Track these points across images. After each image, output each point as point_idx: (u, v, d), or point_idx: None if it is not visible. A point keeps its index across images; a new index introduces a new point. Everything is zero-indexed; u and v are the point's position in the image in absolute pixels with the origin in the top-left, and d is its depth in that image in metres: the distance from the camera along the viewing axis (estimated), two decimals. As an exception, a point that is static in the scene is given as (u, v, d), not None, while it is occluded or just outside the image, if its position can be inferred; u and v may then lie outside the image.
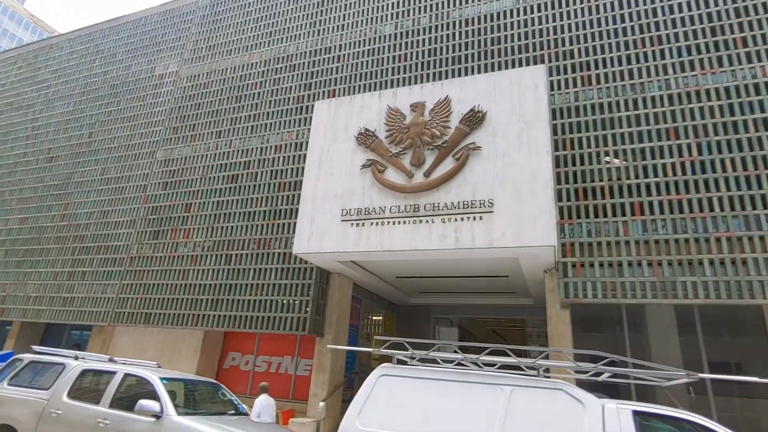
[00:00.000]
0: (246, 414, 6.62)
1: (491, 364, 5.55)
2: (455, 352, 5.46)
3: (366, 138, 9.80)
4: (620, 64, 9.46)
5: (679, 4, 9.47)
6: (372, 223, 9.04)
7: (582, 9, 10.24)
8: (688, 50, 9.12)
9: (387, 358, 5.58)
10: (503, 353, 5.38)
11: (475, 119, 8.99)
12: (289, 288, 10.50)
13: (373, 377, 5.38)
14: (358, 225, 9.13)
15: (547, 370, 6.36)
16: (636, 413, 4.58)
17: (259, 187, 11.87)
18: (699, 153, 8.40)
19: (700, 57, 8.98)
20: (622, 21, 9.75)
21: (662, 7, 9.55)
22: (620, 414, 4.54)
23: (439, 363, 5.74)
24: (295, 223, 10.14)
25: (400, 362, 5.71)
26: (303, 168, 10.65)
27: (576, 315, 9.34)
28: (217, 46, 14.82)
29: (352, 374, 11.56)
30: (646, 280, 7.96)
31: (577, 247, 8.46)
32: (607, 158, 8.96)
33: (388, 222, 8.91)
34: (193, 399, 6.60)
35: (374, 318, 13.59)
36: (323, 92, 12.32)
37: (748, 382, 6.50)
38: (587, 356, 5.39)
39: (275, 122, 12.55)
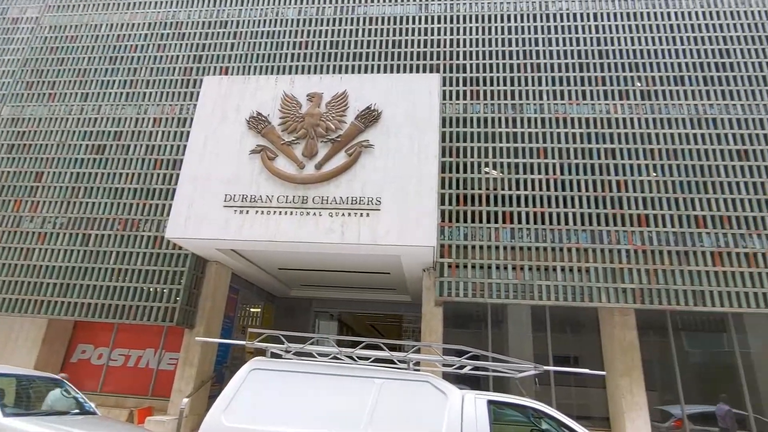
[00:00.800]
0: (94, 413, 5.91)
1: (366, 358, 5.68)
2: (334, 346, 5.46)
3: (258, 122, 9.37)
4: (504, 84, 10.32)
5: (556, 39, 10.62)
6: (257, 212, 8.67)
7: (477, 28, 10.96)
8: (560, 81, 10.27)
9: (263, 352, 5.38)
10: (378, 347, 5.53)
11: (370, 117, 9.11)
12: (158, 275, 9.61)
13: (243, 371, 5.16)
14: (242, 212, 8.69)
15: (417, 364, 6.69)
16: (490, 402, 5.03)
17: (132, 162, 10.68)
18: (561, 173, 9.51)
19: (569, 88, 10.18)
20: (510, 44, 10.65)
21: (543, 39, 10.63)
22: (477, 403, 4.94)
23: (315, 357, 5.71)
24: (170, 205, 9.31)
25: (275, 356, 5.54)
26: (185, 146, 9.81)
27: (448, 312, 9.98)
28: (92, -3, 13.01)
29: (223, 368, 10.99)
30: (510, 282, 8.79)
31: (454, 249, 9.04)
32: (487, 169, 9.71)
33: (275, 212, 8.62)
34: (27, 397, 5.73)
35: (252, 310, 13.09)
36: (214, 68, 11.51)
37: (582, 374, 7.44)
38: (454, 351, 5.76)
39: (156, 92, 11.39)
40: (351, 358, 5.78)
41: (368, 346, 5.59)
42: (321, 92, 9.55)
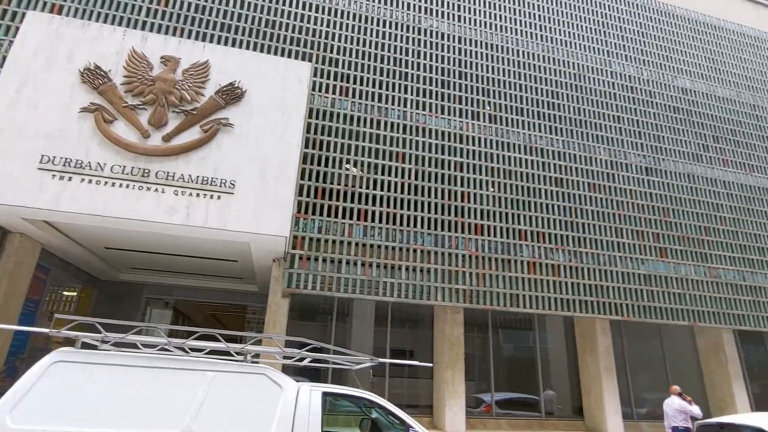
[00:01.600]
0: None
1: (200, 350, 5.29)
2: (163, 336, 4.96)
3: (95, 77, 8.07)
4: (373, 86, 10.60)
5: (424, 53, 11.29)
6: (84, 180, 7.47)
7: (353, 26, 11.06)
8: (423, 92, 10.94)
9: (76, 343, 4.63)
10: (214, 338, 5.19)
11: (233, 94, 8.54)
12: (-67, 243, 7.64)
13: (41, 364, 4.38)
14: (62, 178, 7.39)
15: (257, 356, 6.47)
16: (325, 393, 5.11)
17: None
18: (416, 178, 10.13)
19: (431, 101, 10.91)
20: (382, 49, 10.99)
21: (412, 50, 11.20)
22: (312, 395, 4.96)
23: (139, 348, 5.12)
24: (-40, 158, 7.47)
25: (88, 347, 4.81)
26: (-10, 88, 7.97)
27: (295, 304, 9.89)
28: None
29: (17, 361, 9.21)
30: (358, 278, 9.06)
31: (307, 241, 8.98)
32: (348, 166, 9.87)
33: (106, 182, 7.53)
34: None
35: (66, 293, 11.24)
36: (43, 2, 9.59)
37: (412, 365, 7.97)
38: (297, 343, 5.70)
39: (-45, 15, 9.06)
40: (182, 349, 5.33)
41: (203, 337, 5.22)
42: (179, 58, 8.65)
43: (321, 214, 9.26)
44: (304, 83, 9.01)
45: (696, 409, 8.18)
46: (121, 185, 7.58)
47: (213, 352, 5.28)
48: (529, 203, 10.75)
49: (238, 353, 5.25)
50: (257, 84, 8.73)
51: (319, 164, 9.58)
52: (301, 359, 5.80)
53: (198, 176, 7.87)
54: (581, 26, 13.27)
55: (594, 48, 13.12)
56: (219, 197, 7.82)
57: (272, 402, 4.77)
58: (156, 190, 7.68)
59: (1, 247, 8.24)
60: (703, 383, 12.43)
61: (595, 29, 13.40)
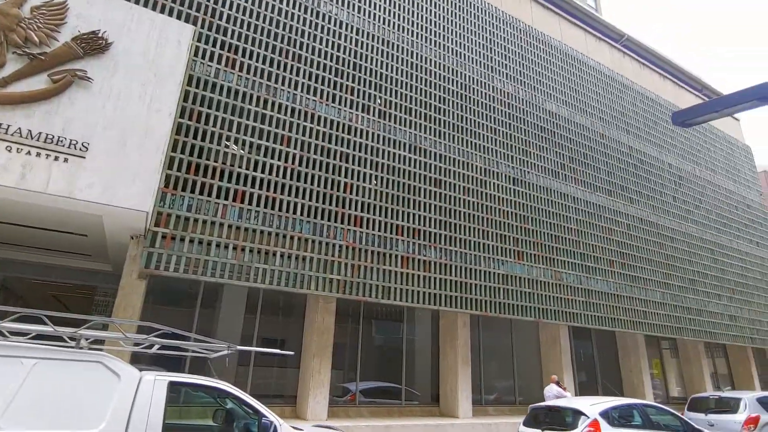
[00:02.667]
0: None
1: (24, 334, 4.54)
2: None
3: None
4: (263, 62, 10.09)
5: (320, 38, 11.06)
6: None
7: (247, -5, 10.39)
8: (316, 78, 10.71)
9: None
10: (40, 321, 4.49)
11: (94, 45, 7.46)
12: None
13: None
14: None
15: (102, 343, 5.76)
16: (173, 383, 4.72)
17: None
18: (299, 164, 9.90)
19: (322, 88, 10.73)
20: (276, 26, 10.50)
21: (308, 33, 10.89)
22: (156, 385, 4.55)
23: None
24: None
25: None
26: None
27: (155, 288, 9.05)
28: None
29: None
30: (229, 262, 8.58)
31: (174, 219, 8.25)
32: (228, 143, 9.27)
33: None
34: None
35: None
36: None
37: (273, 354, 7.79)
38: (149, 329, 5.20)
39: None
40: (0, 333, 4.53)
41: (27, 320, 4.49)
42: (29, -9, 7.30)
43: (193, 192, 8.57)
44: (184, 47, 8.22)
45: (569, 395, 9.65)
46: (-69, 132, 6.18)
47: (44, 338, 4.58)
48: (408, 200, 11.16)
49: (71, 338, 4.61)
50: (127, 38, 7.74)
51: (195, 137, 8.84)
52: (150, 346, 5.31)
53: (40, 133, 6.74)
54: (472, 40, 14.13)
55: (481, 62, 14.06)
56: (66, 160, 6.79)
57: (106, 393, 4.28)
58: (-19, 142, 6.41)
59: None
60: (542, 372, 14.14)
61: (484, 45, 14.37)
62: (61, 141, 6.83)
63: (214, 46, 9.57)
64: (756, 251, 20.23)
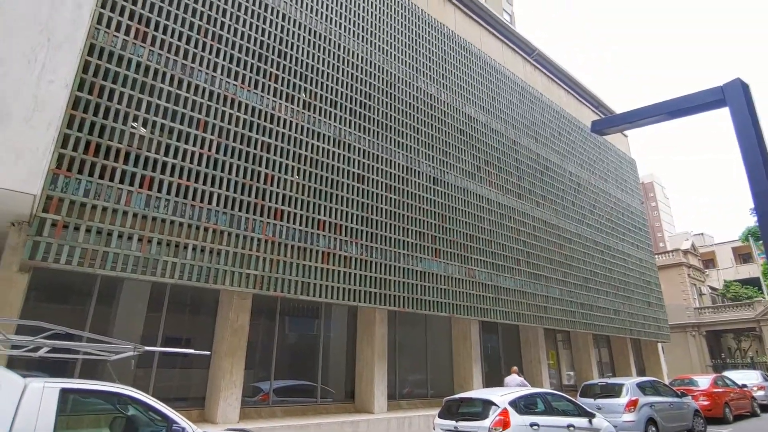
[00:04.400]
0: None
1: None
2: None
3: None
4: (179, 39, 9.31)
5: (243, 20, 10.45)
6: None
7: (163, -36, 9.50)
8: (237, 61, 10.11)
9: None
10: None
11: (-29, -4, 6.34)
12: None
13: None
14: None
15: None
16: (66, 390, 4.16)
17: None
18: (217, 151, 9.28)
19: (244, 72, 10.16)
20: (195, 1, 9.73)
21: (230, 12, 10.24)
22: (45, 393, 3.97)
23: None
24: None
25: None
26: None
27: (40, 282, 7.98)
28: None
29: None
30: (132, 254, 7.79)
31: (67, 204, 7.29)
32: (135, 124, 8.41)
33: None
34: None
35: None
36: None
37: (185, 354, 7.24)
38: (34, 329, 4.52)
39: None
40: None
41: None
42: None
43: (91, 175, 7.64)
44: (85, 9, 7.27)
45: (528, 384, 10.78)
46: None
47: None
48: (331, 195, 10.99)
49: (-72, 341, 3.86)
50: (14, -7, 6.67)
51: (96, 114, 7.88)
52: (36, 349, 4.62)
53: None
54: (399, 39, 14.26)
55: (406, 62, 14.25)
56: (-72, 129, 5.69)
57: (-21, 405, 3.63)
58: None
59: None
60: (452, 365, 14.74)
61: (410, 45, 14.59)
62: None
63: (121, 15, 8.61)
64: (636, 253, 22.89)
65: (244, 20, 10.46)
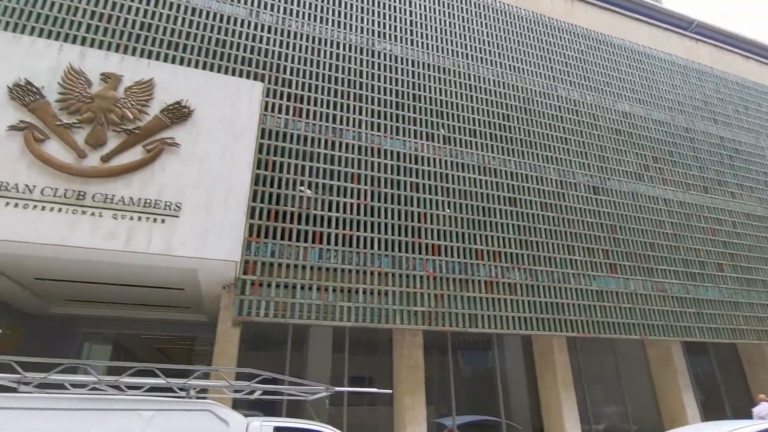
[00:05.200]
0: None
1: (137, 387, 4.82)
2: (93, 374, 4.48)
3: (26, 93, 7.51)
4: (327, 107, 10.50)
5: (378, 75, 11.35)
6: (9, 203, 6.83)
7: (306, 47, 10.99)
8: (378, 114, 10.94)
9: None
10: (152, 374, 4.74)
11: (179, 114, 8.17)
12: None
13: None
14: (-16, 202, 6.72)
15: (205, 391, 5.99)
16: (278, 429, 4.76)
17: None
18: (371, 199, 10.01)
19: (385, 122, 10.91)
20: (336, 71, 10.95)
21: (366, 72, 11.23)
22: (263, 431, 4.60)
23: (67, 388, 4.60)
24: None
25: (5, 390, 4.28)
26: None
27: (247, 334, 9.38)
28: None
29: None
30: (314, 303, 8.72)
31: (259, 265, 8.58)
32: (302, 187, 9.62)
33: (36, 206, 6.92)
34: None
35: (-11, 331, 10.16)
36: (-29, 15, 8.93)
37: (370, 393, 7.64)
38: (247, 375, 5.33)
39: None
40: (118, 388, 4.84)
41: (143, 374, 4.76)
42: (121, 75, 8.23)
43: (274, 238, 8.91)
44: (255, 104, 8.78)
45: None
46: (52, 209, 6.99)
47: (155, 389, 4.84)
48: (484, 223, 10.84)
49: (180, 389, 4.82)
50: (206, 103, 8.41)
51: (272, 186, 9.27)
52: (252, 392, 5.42)
53: (140, 199, 7.39)
54: (528, 53, 13.83)
55: (540, 74, 13.68)
56: (163, 221, 7.36)
57: (218, 441, 4.37)
58: (93, 214, 7.13)
59: None
60: (656, 395, 12.75)
61: (541, 56, 14.01)
62: (158, 204, 7.44)
63: (281, 98, 10.13)
64: None
65: (378, 75, 11.34)
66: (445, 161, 11.15)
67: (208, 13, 10.52)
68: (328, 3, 11.81)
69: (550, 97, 13.44)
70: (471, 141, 11.68)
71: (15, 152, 7.14)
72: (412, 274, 9.65)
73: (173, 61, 9.58)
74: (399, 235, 9.91)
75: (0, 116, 7.27)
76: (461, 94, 12.16)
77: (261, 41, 10.59)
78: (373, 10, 12.28)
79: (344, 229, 9.50)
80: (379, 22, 12.18)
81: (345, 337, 10.44)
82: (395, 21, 12.42)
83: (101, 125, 7.68)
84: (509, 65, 13.30)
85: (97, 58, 8.24)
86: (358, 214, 9.76)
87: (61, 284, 9.48)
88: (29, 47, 7.92)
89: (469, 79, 12.49)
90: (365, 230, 9.66)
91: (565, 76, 14.08)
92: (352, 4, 12.09)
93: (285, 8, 11.26)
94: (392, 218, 9.99)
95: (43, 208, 6.96)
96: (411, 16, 12.70)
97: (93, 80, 8.00)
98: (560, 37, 14.77)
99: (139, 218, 7.28)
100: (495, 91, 12.69)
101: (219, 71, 9.74)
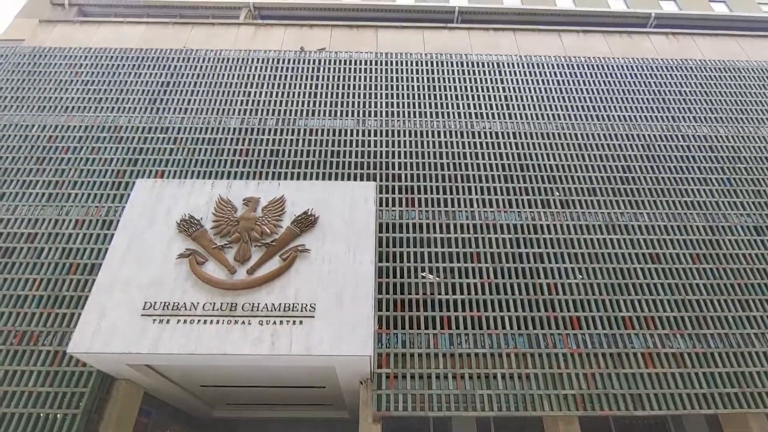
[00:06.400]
0: None
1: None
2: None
3: (189, 226, 9.04)
4: (437, 192, 10.87)
5: (482, 153, 11.58)
6: (180, 321, 7.97)
7: (410, 141, 11.79)
8: (488, 190, 10.98)
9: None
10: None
11: (307, 222, 9.10)
12: (53, 398, 8.28)
13: None
14: (161, 322, 7.95)
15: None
16: None
17: (43, 267, 9.75)
18: (495, 276, 9.72)
19: (496, 197, 10.87)
20: (440, 157, 11.45)
21: (470, 153, 11.55)
22: None
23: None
24: (79, 314, 8.36)
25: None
26: (106, 249, 9.17)
27: (389, 429, 9.22)
28: (28, 99, 12.85)
29: None
30: (451, 392, 8.37)
31: (392, 357, 8.63)
32: (423, 274, 9.75)
33: (199, 320, 7.97)
34: None
35: (167, 436, 11.42)
36: (150, 171, 11.31)
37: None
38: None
39: (82, 194, 10.87)
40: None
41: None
42: (258, 197, 9.54)
43: (403, 327, 8.99)
44: (370, 202, 9.44)
45: None
46: (211, 322, 7.97)
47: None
48: (626, 286, 9.75)
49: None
50: (328, 209, 9.27)
51: (395, 276, 9.57)
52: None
53: (280, 304, 8.12)
54: (637, 98, 13.11)
55: (656, 116, 12.76)
56: (301, 322, 7.92)
57: None
58: (242, 322, 7.97)
59: (108, 396, 8.74)
60: None
61: (652, 98, 13.16)
62: (295, 307, 8.08)
63: (393, 192, 10.78)
64: None
65: (483, 153, 11.57)
66: (567, 226, 10.55)
67: (322, 130, 11.99)
68: (423, 98, 12.74)
69: (673, 139, 12.32)
70: (591, 200, 10.99)
71: (183, 275, 8.47)
72: (554, 352, 8.86)
73: (299, 177, 10.92)
74: (531, 310, 9.34)
75: (172, 247, 8.79)
76: (570, 155, 11.75)
77: (369, 145, 11.63)
78: (466, 95, 12.90)
79: (471, 310, 9.25)
80: (474, 104, 12.69)
81: (490, 427, 9.69)
82: (489, 99, 12.84)
83: (246, 243, 8.84)
84: (617, 116, 12.68)
85: (239, 187, 9.72)
86: (483, 293, 9.49)
87: (221, 389, 10.47)
88: (191, 188, 9.67)
89: (576, 139, 12.09)
90: (494, 309, 9.29)
91: (686, 113, 12.92)
92: (446, 95, 12.87)
93: (387, 111, 12.39)
94: (520, 293, 9.51)
95: (205, 321, 7.99)
96: (504, 92, 13.04)
97: (237, 205, 9.38)
98: (670, 75, 13.84)
99: (281, 322, 7.94)
100: (607, 144, 12.04)
101: (336, 178, 10.81)
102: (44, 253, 9.97)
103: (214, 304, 8.13)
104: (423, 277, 9.70)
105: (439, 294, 9.46)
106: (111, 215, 10.51)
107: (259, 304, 8.14)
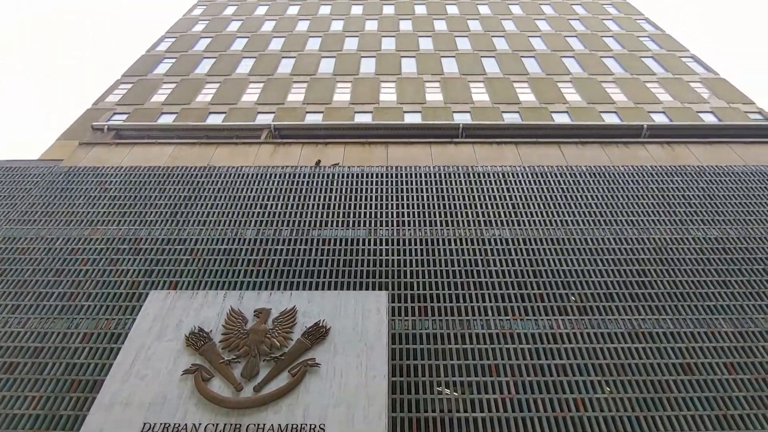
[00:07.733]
0: None
1: None
2: None
3: (198, 339, 8.88)
4: (451, 300, 10.70)
5: (493, 260, 11.60)
6: (180, 445, 7.46)
7: (421, 250, 11.92)
8: (502, 297, 10.80)
9: None
10: None
11: (318, 334, 8.90)
12: None
13: None
14: (161, 446, 7.44)
15: None
16: None
17: (44, 384, 9.42)
18: (516, 391, 9.13)
19: (511, 305, 10.64)
20: (452, 264, 11.47)
21: (481, 260, 11.58)
22: None
23: None
24: (76, 438, 7.89)
25: None
26: (111, 365, 8.93)
27: None
28: (57, 214, 13.51)
29: None
30: None
31: (409, 487, 7.81)
32: (439, 388, 9.21)
33: (201, 444, 7.45)
34: None
35: None
36: (163, 282, 11.41)
37: None
38: None
39: (94, 305, 10.89)
40: None
41: None
42: (269, 308, 9.48)
43: (419, 450, 8.26)
44: (382, 311, 9.30)
45: None
46: (214, 446, 7.44)
47: None
48: (660, 400, 9.05)
49: None
50: (339, 319, 9.13)
51: (409, 392, 9.03)
52: None
53: (288, 424, 7.62)
54: (642, 203, 13.38)
55: (665, 220, 12.89)
56: (310, 446, 7.36)
57: None
58: (247, 446, 7.42)
59: None
60: None
61: (657, 203, 13.41)
62: (304, 428, 7.57)
63: (406, 301, 10.63)
64: None
65: (495, 260, 11.59)
66: (588, 334, 10.14)
67: (334, 240, 12.25)
68: (433, 208, 13.15)
69: (685, 241, 12.31)
70: (609, 306, 10.69)
71: (187, 393, 8.11)
72: (588, 480, 7.96)
73: (310, 287, 10.90)
74: (558, 429, 8.59)
75: (179, 362, 8.54)
76: (583, 260, 11.71)
77: (381, 254, 11.77)
78: (474, 204, 13.31)
79: (493, 430, 8.54)
80: (482, 212, 13.03)
81: None
82: (497, 207, 13.20)
83: (254, 357, 8.58)
84: (625, 221, 12.84)
85: (250, 298, 9.71)
86: (504, 410, 8.83)
87: None
88: (203, 299, 9.68)
89: (587, 243, 12.14)
90: (517, 429, 8.57)
91: (693, 216, 13.06)
92: (455, 204, 13.29)
93: (398, 221, 12.73)
94: (545, 411, 8.84)
95: (207, 445, 7.45)
96: (511, 200, 13.45)
97: (248, 317, 9.29)
98: (671, 180, 14.27)
99: (288, 446, 7.38)
100: (619, 249, 12.04)
101: (348, 288, 10.77)
102: (47, 368, 9.70)
103: (218, 425, 7.66)
104: (440, 392, 9.14)
105: (458, 412, 8.82)
106: (121, 328, 10.38)
107: (265, 425, 7.65)
